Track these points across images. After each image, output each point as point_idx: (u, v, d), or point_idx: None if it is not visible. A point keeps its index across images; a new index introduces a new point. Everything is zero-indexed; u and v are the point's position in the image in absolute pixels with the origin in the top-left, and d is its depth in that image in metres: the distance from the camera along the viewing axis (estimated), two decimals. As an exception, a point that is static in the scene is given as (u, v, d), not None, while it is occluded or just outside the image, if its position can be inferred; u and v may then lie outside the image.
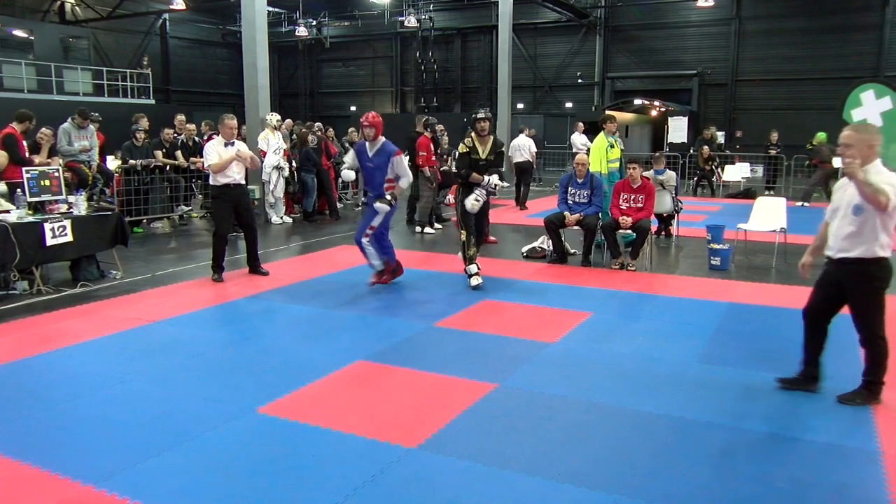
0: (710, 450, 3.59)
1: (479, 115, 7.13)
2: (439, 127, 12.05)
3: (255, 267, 7.78)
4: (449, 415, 3.97)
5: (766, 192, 15.48)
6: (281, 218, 11.93)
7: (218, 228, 7.54)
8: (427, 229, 11.05)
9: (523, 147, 14.49)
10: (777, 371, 4.61)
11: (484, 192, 7.06)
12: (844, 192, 4.15)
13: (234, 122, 7.48)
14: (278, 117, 11.77)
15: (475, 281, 7.12)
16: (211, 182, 7.46)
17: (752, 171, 17.82)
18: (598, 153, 9.24)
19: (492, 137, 7.22)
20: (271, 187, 11.65)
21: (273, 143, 11.49)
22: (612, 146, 9.32)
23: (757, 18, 25.56)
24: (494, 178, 7.08)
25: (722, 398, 4.27)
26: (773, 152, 17.86)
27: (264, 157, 11.37)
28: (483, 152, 7.12)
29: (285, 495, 3.13)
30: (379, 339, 5.43)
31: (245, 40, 12.05)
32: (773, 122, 20.81)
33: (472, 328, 5.76)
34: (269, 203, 11.77)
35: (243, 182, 7.59)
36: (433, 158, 11.22)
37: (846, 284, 4.12)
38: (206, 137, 11.75)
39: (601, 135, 9.40)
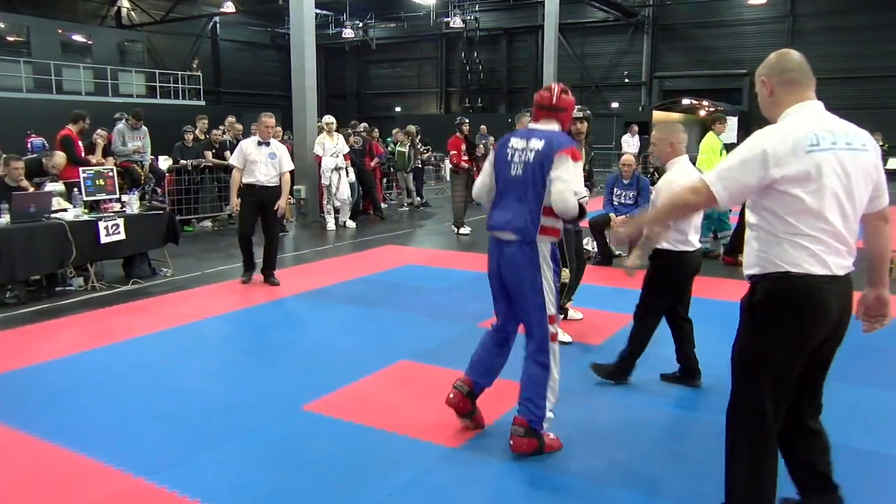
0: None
1: (576, 115, 4.81)
2: (482, 127, 12.03)
3: (267, 275, 7.28)
4: (492, 415, 3.95)
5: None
6: (344, 223, 11.53)
7: (238, 228, 7.39)
8: (462, 230, 10.97)
9: None
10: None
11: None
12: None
13: (272, 122, 7.19)
14: (332, 119, 11.52)
15: (566, 336, 5.23)
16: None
17: None
18: (713, 155, 8.34)
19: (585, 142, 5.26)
20: (333, 190, 11.33)
21: (329, 147, 11.24)
22: (725, 148, 8.57)
23: (813, 16, 24.85)
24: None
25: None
26: None
27: (320, 162, 11.35)
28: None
29: (329, 493, 3.16)
30: (422, 339, 5.44)
31: (293, 43, 12.21)
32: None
33: (515, 329, 5.72)
34: (333, 206, 11.51)
35: (271, 185, 7.09)
36: (464, 158, 11.16)
37: None
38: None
39: (711, 134, 8.69)
